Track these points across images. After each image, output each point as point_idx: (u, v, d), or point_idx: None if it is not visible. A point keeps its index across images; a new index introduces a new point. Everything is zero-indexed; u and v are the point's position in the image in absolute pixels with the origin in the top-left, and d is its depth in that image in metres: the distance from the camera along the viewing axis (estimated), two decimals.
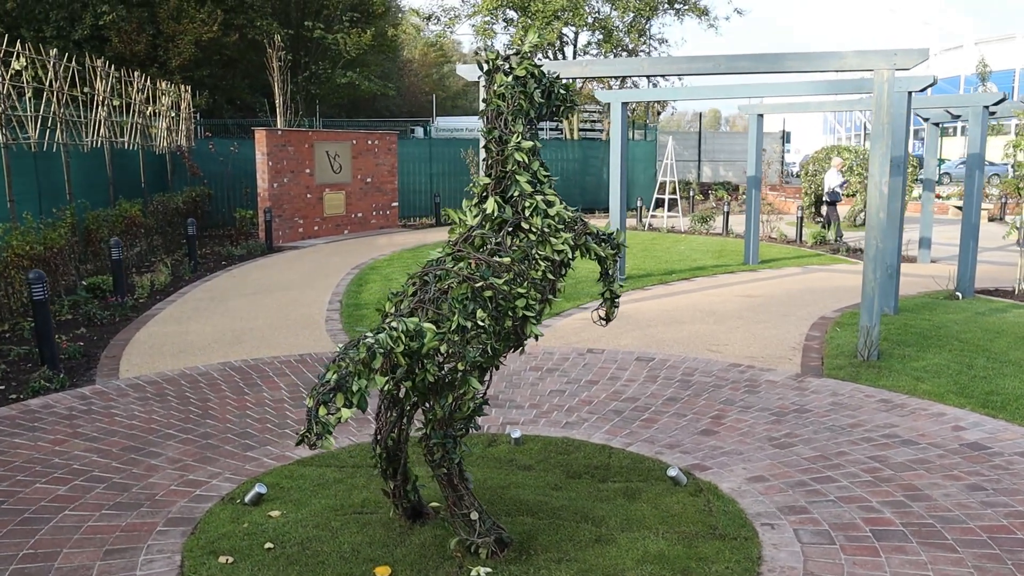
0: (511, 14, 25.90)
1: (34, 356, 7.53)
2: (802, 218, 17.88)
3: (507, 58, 4.22)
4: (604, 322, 4.67)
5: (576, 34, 26.47)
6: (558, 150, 25.32)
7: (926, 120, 14.42)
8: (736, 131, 71.01)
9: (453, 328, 3.66)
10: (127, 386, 6.80)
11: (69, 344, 7.96)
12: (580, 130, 28.19)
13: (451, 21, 26.43)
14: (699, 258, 14.82)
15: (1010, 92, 45.08)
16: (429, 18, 26.58)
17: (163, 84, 16.30)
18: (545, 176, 4.23)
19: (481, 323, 3.75)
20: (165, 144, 16.56)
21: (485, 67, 4.24)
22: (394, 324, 3.51)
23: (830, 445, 5.52)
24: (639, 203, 22.03)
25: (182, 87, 17.46)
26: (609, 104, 13.83)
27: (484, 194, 4.19)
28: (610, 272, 4.58)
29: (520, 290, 3.92)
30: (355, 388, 3.25)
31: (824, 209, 17.93)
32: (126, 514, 4.47)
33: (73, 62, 12.10)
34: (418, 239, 17.64)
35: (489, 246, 4.00)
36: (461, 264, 3.94)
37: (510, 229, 4.08)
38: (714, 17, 26.92)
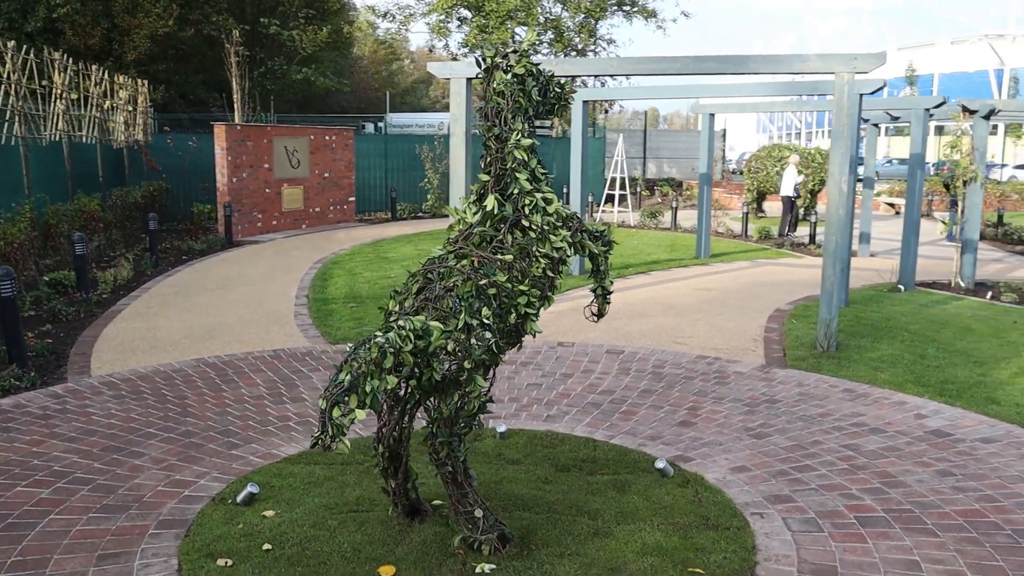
0: (465, 13, 25.64)
1: (1, 354, 7.16)
2: (748, 214, 18.09)
3: (506, 55, 4.10)
4: (596, 318, 4.59)
5: None
6: None
7: (866, 121, 14.66)
8: (674, 129, 71.78)
9: (460, 326, 3.54)
10: (101, 384, 6.51)
11: (36, 341, 7.61)
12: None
13: (406, 19, 26.10)
14: (652, 252, 14.87)
15: (930, 94, 46.23)
16: (385, 15, 26.22)
17: (120, 78, 15.73)
18: (543, 173, 4.13)
19: (486, 320, 3.64)
20: (122, 138, 16.00)
21: (484, 64, 4.11)
22: (401, 323, 3.37)
23: (804, 435, 5.54)
24: (590, 199, 22.05)
25: (139, 81, 16.88)
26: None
27: (483, 191, 4.07)
28: (602, 269, 4.50)
29: (522, 287, 3.82)
30: (368, 388, 3.11)
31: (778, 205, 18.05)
32: (115, 517, 4.25)
33: (31, 55, 11.57)
34: (376, 233, 17.38)
35: (491, 243, 3.89)
36: (464, 261, 3.82)
37: (509, 226, 3.97)
38: (662, 19, 26.98)
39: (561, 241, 4.01)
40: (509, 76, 4.05)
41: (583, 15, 25.01)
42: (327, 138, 18.70)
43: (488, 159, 4.06)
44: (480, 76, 4.21)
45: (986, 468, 5.00)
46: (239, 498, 4.40)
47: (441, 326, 3.46)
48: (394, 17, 26.08)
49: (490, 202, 3.95)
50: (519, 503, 4.38)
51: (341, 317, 9.02)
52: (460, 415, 3.64)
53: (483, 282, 3.69)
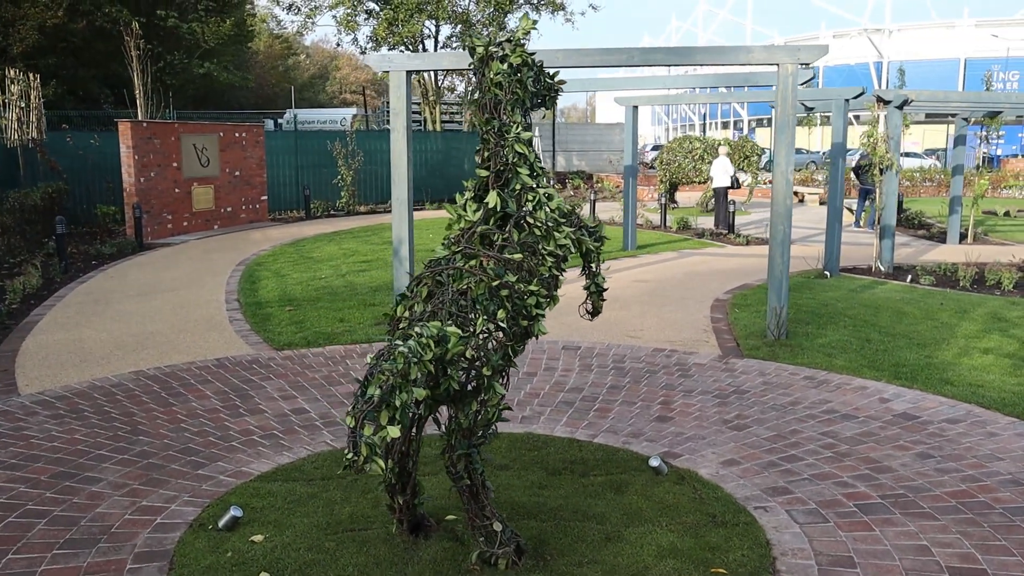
0: (372, 5, 25.05)
1: None
2: (665, 204, 18.34)
3: (500, 44, 3.89)
4: (591, 316, 4.45)
5: (437, 27, 25.99)
6: (422, 141, 24.83)
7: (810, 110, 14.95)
8: (571, 122, 72.44)
9: (478, 331, 3.33)
10: (33, 403, 5.96)
11: None
12: (442, 122, 27.77)
13: (312, 12, 25.28)
14: None
15: (816, 86, 48.10)
16: (289, 7, 25.33)
17: (12, 72, 14.62)
18: (540, 168, 3.95)
19: (502, 324, 3.44)
20: (16, 137, 14.90)
21: (476, 54, 3.89)
22: (418, 330, 3.14)
23: (781, 424, 5.55)
24: None
25: (31, 76, 15.74)
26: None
27: (482, 187, 3.85)
28: (594, 266, 4.37)
29: (531, 288, 3.63)
30: (397, 403, 2.87)
31: (713, 196, 18.05)
32: (84, 552, 3.85)
33: None
34: (294, 233, 16.78)
35: (497, 242, 3.68)
36: (472, 262, 3.60)
37: (513, 224, 3.77)
38: (570, 12, 27.09)
39: (565, 238, 3.84)
40: (505, 66, 3.85)
41: (492, 8, 24.84)
42: (237, 135, 17.95)
43: (487, 154, 3.84)
44: (471, 66, 3.99)
45: (960, 448, 5.12)
46: (221, 523, 4.06)
47: (459, 332, 3.25)
48: (299, 10, 25.27)
49: (492, 198, 3.74)
50: (522, 511, 4.20)
51: (280, 321, 8.59)
52: (478, 424, 3.43)
53: (495, 283, 3.49)
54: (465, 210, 3.81)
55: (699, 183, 22.27)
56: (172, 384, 6.43)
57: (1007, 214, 20.95)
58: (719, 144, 20.21)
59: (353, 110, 42.53)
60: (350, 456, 2.75)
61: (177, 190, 16.12)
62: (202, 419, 5.67)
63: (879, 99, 11.65)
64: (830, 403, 5.98)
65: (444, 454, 3.49)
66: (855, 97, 11.49)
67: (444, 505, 4.18)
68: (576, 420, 5.67)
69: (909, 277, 11.15)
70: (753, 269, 12.04)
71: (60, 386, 6.37)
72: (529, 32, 3.97)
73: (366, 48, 25.63)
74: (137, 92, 16.42)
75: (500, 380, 3.52)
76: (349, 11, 24.58)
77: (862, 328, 8.19)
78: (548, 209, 3.82)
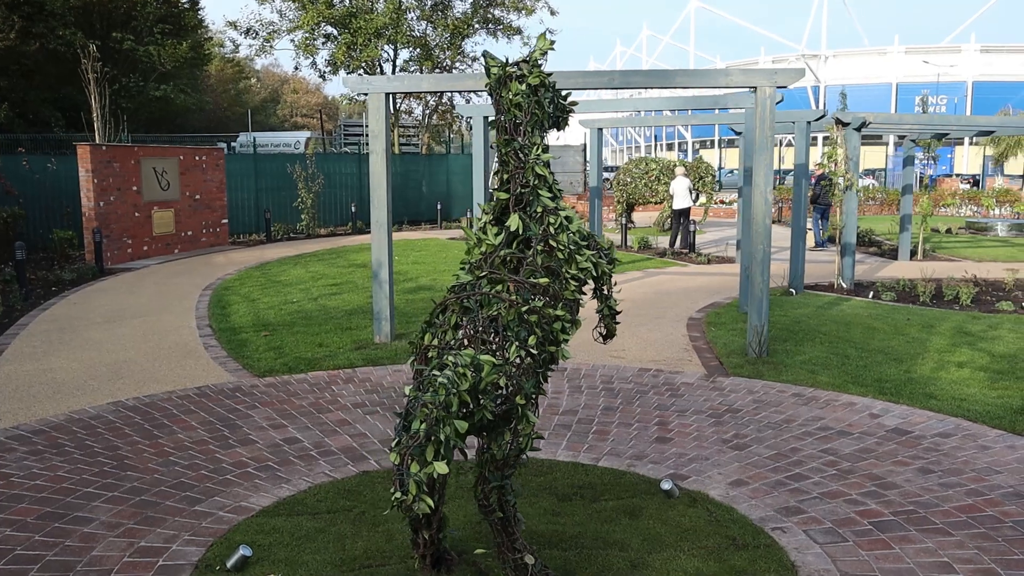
0: (330, 30, 24.78)
1: None
2: (626, 225, 18.40)
3: (518, 65, 3.77)
4: (604, 339, 4.33)
5: (395, 51, 25.84)
6: None
7: (738, 134, 15.17)
8: None
9: (512, 359, 3.18)
10: (8, 439, 5.60)
11: None
12: (400, 145, 27.54)
13: (270, 36, 24.91)
14: None
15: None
16: (247, 32, 24.91)
17: None
18: (559, 190, 3.82)
19: (533, 350, 3.30)
20: None
21: (493, 75, 3.75)
22: (452, 359, 2.98)
23: (780, 443, 5.49)
24: (469, 214, 21.82)
25: None
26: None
27: (501, 210, 3.71)
28: (606, 289, 4.25)
29: (557, 312, 3.49)
30: (442, 436, 2.71)
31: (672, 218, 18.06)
32: None
33: None
34: (256, 256, 16.39)
35: (523, 267, 3.54)
36: (499, 287, 3.45)
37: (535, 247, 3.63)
38: (527, 36, 27.26)
39: (586, 261, 3.72)
40: (524, 87, 3.73)
41: (450, 33, 24.79)
42: (197, 158, 17.53)
43: (506, 176, 3.71)
44: (489, 87, 3.85)
45: (958, 463, 5.11)
46: (229, 564, 3.81)
47: (493, 360, 3.10)
48: (256, 34, 24.87)
49: (514, 222, 3.60)
50: (541, 540, 4.04)
51: (257, 347, 8.30)
52: (511, 455, 3.28)
53: (524, 309, 3.34)
54: (485, 233, 3.67)
55: (655, 203, 22.43)
56: (154, 415, 6.12)
57: (949, 231, 21.52)
58: (675, 165, 20.33)
59: (307, 133, 42.08)
60: (398, 495, 2.57)
61: (137, 214, 15.64)
62: (191, 451, 5.39)
63: (838, 121, 11.84)
64: (823, 420, 5.94)
65: (476, 486, 3.32)
66: (816, 119, 11.66)
67: (463, 536, 4.00)
68: (577, 443, 5.54)
69: (871, 293, 11.29)
70: (719, 287, 12.10)
71: (35, 419, 6.02)
72: (547, 52, 3.85)
73: (324, 72, 25.34)
74: (94, 115, 15.92)
75: (531, 408, 3.37)
76: (308, 35, 24.32)
77: (837, 344, 8.22)
78: (570, 232, 3.70)
